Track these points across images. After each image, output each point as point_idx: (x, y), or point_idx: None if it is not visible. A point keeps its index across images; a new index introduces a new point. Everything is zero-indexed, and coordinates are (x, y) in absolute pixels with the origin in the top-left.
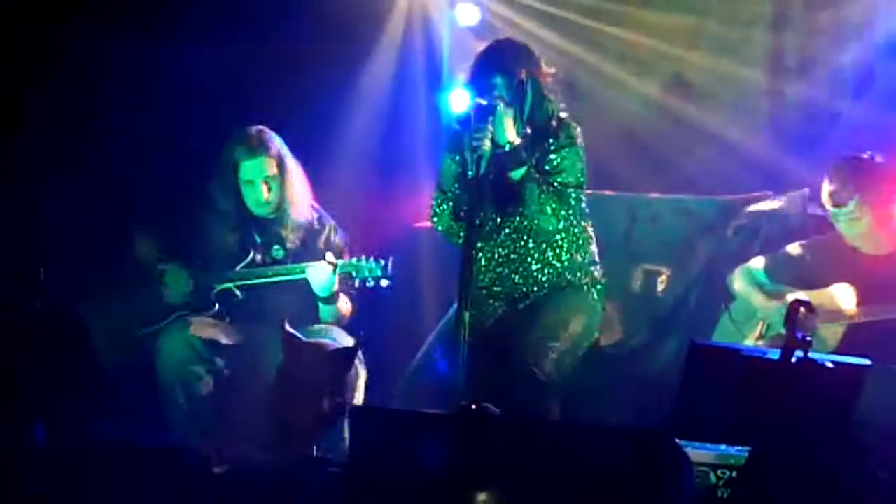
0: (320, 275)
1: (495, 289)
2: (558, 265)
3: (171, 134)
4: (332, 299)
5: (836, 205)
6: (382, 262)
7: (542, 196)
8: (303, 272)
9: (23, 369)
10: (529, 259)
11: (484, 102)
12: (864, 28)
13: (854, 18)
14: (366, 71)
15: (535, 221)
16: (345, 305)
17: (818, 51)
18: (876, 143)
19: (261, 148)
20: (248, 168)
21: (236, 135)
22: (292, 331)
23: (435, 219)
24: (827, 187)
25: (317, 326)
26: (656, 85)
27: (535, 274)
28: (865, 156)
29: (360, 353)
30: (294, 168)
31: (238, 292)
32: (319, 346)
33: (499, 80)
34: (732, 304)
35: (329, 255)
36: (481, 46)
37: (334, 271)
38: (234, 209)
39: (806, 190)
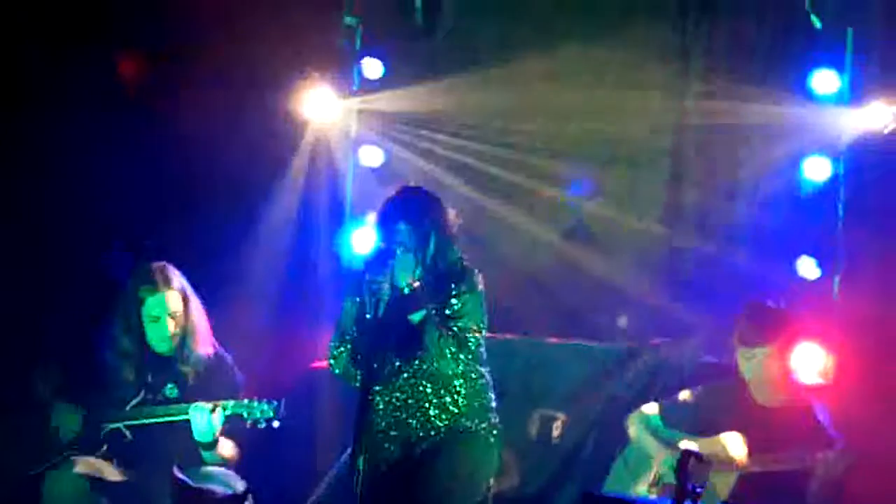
0: (201, 419)
1: (392, 433)
2: (455, 410)
3: (69, 267)
4: (212, 445)
5: (745, 345)
6: (275, 404)
7: (442, 340)
8: (187, 413)
9: None
10: (427, 404)
11: (384, 246)
12: (753, 187)
13: (743, 178)
14: (268, 209)
15: (435, 365)
16: (228, 451)
17: (711, 206)
18: (766, 295)
19: (165, 284)
20: (153, 304)
21: (139, 271)
22: (182, 476)
23: (333, 361)
24: (738, 329)
25: (208, 469)
26: (557, 233)
27: (432, 419)
28: (772, 303)
29: (250, 498)
30: (196, 302)
31: (127, 433)
32: (209, 492)
33: (402, 227)
34: (627, 449)
35: (212, 404)
36: (383, 189)
37: (218, 416)
38: (135, 347)
39: (700, 337)
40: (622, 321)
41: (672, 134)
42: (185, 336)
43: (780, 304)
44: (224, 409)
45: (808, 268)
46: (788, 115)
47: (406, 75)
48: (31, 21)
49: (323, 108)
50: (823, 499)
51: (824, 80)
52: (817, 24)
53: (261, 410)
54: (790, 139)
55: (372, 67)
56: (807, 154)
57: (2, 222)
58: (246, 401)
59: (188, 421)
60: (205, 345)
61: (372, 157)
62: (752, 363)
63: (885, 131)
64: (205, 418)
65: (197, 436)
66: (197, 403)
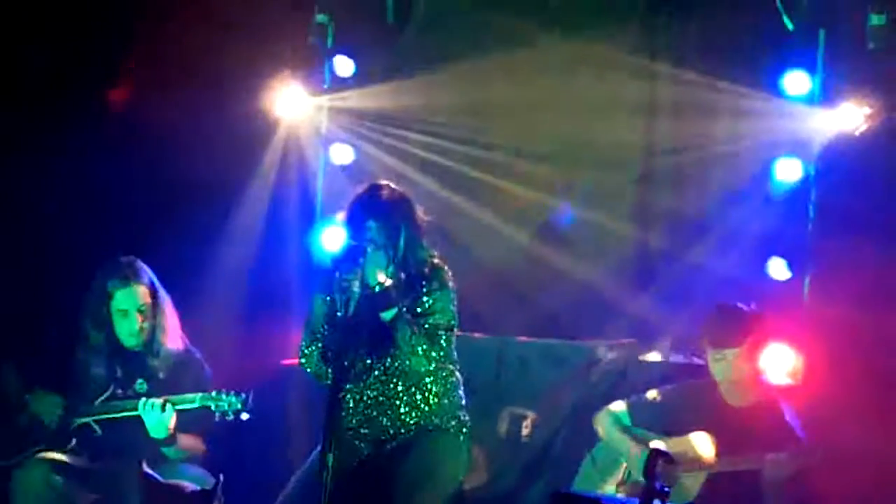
0: (151, 416)
1: (362, 430)
2: (426, 408)
3: (41, 263)
4: (168, 441)
5: (715, 346)
6: (243, 396)
7: (414, 337)
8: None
9: None
10: (398, 401)
11: (354, 244)
12: (728, 186)
13: (714, 180)
14: (239, 206)
15: (407, 363)
16: (188, 443)
17: (683, 204)
18: (736, 296)
19: (134, 278)
20: (122, 298)
21: (108, 266)
22: (150, 471)
23: (303, 360)
24: (708, 329)
25: (178, 465)
26: (526, 232)
27: (402, 416)
28: (742, 305)
29: (219, 493)
30: (164, 297)
31: (97, 427)
32: (178, 488)
33: (372, 224)
34: (595, 448)
35: (170, 398)
36: (354, 187)
37: (168, 412)
38: (105, 341)
39: (669, 338)
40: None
41: (642, 133)
42: (154, 331)
43: (750, 305)
44: (174, 404)
45: (778, 269)
46: (760, 116)
47: (377, 73)
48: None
49: (294, 105)
50: (778, 499)
51: (796, 81)
52: (789, 24)
53: (228, 403)
54: (761, 140)
55: (343, 65)
56: (778, 155)
57: None
58: (213, 393)
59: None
60: (174, 340)
61: (342, 154)
62: (722, 364)
63: (857, 132)
64: (155, 414)
65: (151, 432)
66: (147, 400)
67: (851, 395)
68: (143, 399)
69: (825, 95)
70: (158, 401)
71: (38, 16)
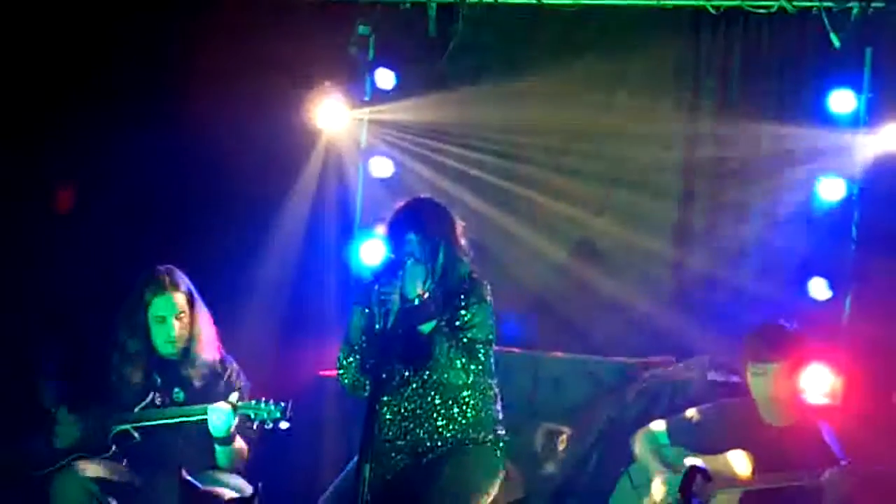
0: (219, 414)
1: (399, 442)
2: (463, 421)
3: (80, 275)
4: (228, 440)
5: (756, 359)
6: (282, 405)
7: (452, 351)
8: (203, 412)
9: None
10: (435, 414)
11: (393, 257)
12: (764, 205)
13: (756, 198)
14: (278, 218)
15: (445, 376)
16: (238, 444)
17: (722, 226)
18: (775, 315)
19: (171, 285)
20: (159, 305)
21: (146, 274)
22: (189, 478)
23: (342, 371)
24: (751, 342)
25: (216, 474)
26: (565, 250)
27: (439, 429)
28: (784, 323)
29: (257, 502)
30: (202, 307)
31: (136, 434)
32: (216, 495)
33: (412, 238)
34: (632, 467)
35: (232, 396)
36: (393, 200)
37: (234, 411)
38: (143, 350)
39: (707, 356)
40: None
41: (683, 152)
42: (190, 339)
43: (792, 324)
44: (237, 408)
45: (819, 289)
46: (804, 135)
47: (418, 86)
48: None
49: (334, 117)
50: None
51: (841, 100)
52: (836, 42)
53: (268, 411)
54: (805, 159)
55: (384, 78)
56: (821, 174)
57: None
58: (253, 402)
59: (198, 424)
60: (210, 349)
61: (382, 167)
62: (762, 380)
63: None
64: (224, 412)
65: (214, 430)
66: (215, 405)
67: (892, 416)
68: (213, 405)
69: (870, 115)
70: (227, 405)
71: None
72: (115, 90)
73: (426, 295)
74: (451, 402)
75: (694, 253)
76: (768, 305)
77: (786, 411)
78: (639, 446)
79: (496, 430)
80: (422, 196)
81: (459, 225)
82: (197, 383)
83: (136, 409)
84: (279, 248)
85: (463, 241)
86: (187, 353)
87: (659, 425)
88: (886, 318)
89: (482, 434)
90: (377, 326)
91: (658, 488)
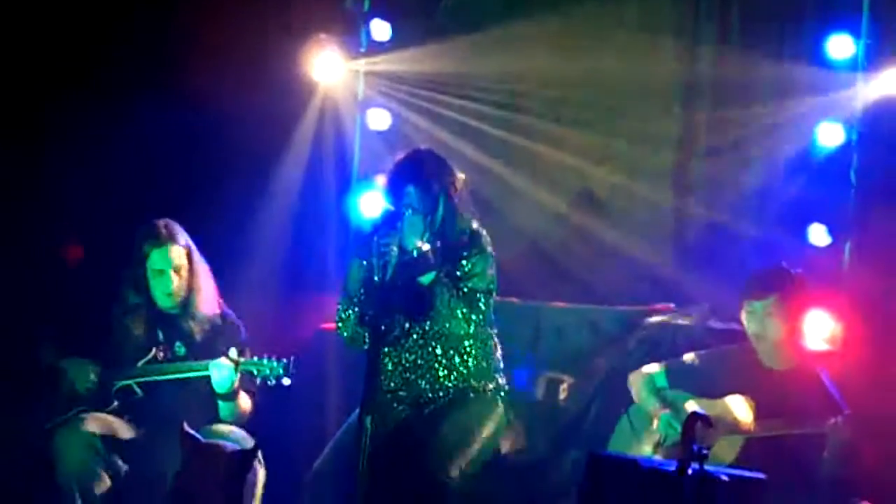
0: (222, 371)
1: (401, 393)
2: (465, 371)
3: (79, 231)
4: (231, 396)
5: (755, 297)
6: (284, 362)
7: (452, 301)
8: (206, 368)
9: None
10: (437, 365)
11: (392, 209)
12: (765, 153)
13: (755, 145)
14: (276, 171)
15: (446, 326)
16: (244, 403)
17: (722, 173)
18: (774, 262)
19: (169, 238)
20: (157, 258)
21: (144, 227)
22: (191, 431)
23: (340, 324)
24: (750, 282)
25: (217, 427)
26: (565, 200)
27: (441, 379)
28: (786, 266)
29: (259, 455)
30: (201, 261)
31: (138, 389)
32: (218, 448)
33: (411, 190)
34: (631, 409)
35: (232, 352)
36: (391, 152)
37: (236, 368)
38: (143, 303)
39: (707, 304)
40: None
41: (682, 100)
42: (189, 293)
43: (790, 268)
44: (239, 364)
45: (819, 235)
46: (802, 80)
47: (413, 38)
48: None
49: (330, 70)
50: (835, 465)
51: (840, 45)
52: None
53: (270, 368)
54: (804, 105)
55: (380, 29)
56: (820, 120)
57: (13, 189)
58: (255, 358)
59: (201, 379)
60: (210, 303)
61: (379, 119)
62: (753, 318)
63: None
64: (226, 368)
65: (217, 387)
66: (216, 361)
67: (890, 362)
68: (215, 361)
69: (869, 60)
70: (229, 361)
71: None
72: (111, 48)
73: (425, 246)
74: (452, 353)
75: (694, 201)
76: (768, 252)
77: (785, 355)
78: (637, 388)
79: (497, 380)
80: (422, 147)
81: (459, 177)
82: (198, 337)
83: (139, 365)
84: (278, 201)
85: (463, 193)
86: (187, 306)
87: (655, 367)
88: (886, 264)
89: (483, 383)
90: (376, 278)
91: (658, 428)
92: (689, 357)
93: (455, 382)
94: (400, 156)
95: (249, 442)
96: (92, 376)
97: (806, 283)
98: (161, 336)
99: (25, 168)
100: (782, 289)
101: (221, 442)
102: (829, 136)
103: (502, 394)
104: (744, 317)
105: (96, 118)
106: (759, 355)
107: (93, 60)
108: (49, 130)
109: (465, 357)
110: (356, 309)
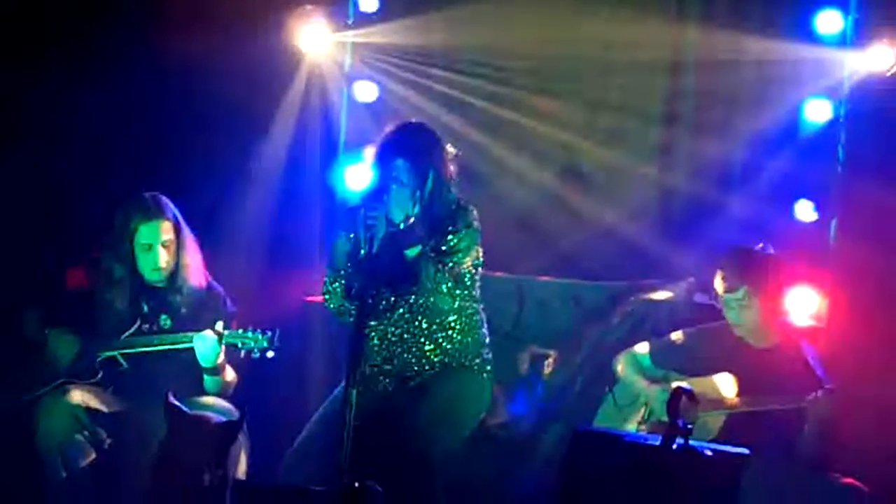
0: (206, 344)
1: (386, 367)
2: (450, 346)
3: (63, 202)
4: (216, 370)
5: (726, 291)
6: (269, 334)
7: (438, 275)
8: (189, 341)
9: None
10: (422, 339)
11: (379, 181)
12: (750, 126)
13: (742, 120)
14: (262, 143)
15: (431, 300)
16: (230, 376)
17: (708, 148)
18: (760, 237)
19: (158, 212)
20: (146, 232)
21: (132, 201)
22: (176, 402)
23: (327, 297)
24: (719, 273)
25: (202, 398)
26: (550, 173)
27: (427, 353)
28: (758, 247)
29: (244, 426)
30: (188, 234)
31: (123, 361)
32: (203, 419)
33: (399, 163)
34: (616, 388)
35: (218, 325)
36: (378, 124)
37: (220, 341)
38: (128, 276)
39: (692, 279)
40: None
41: (667, 73)
42: (177, 266)
43: (765, 248)
44: (223, 337)
45: (805, 211)
46: (790, 56)
47: (401, 8)
48: None
49: (316, 41)
50: (814, 440)
51: (828, 20)
52: None
53: (255, 340)
54: (791, 80)
55: (367, 0)
56: (808, 96)
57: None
58: (240, 331)
59: (185, 351)
60: (197, 276)
61: (366, 91)
62: (730, 307)
63: (888, 74)
64: (210, 342)
65: (202, 360)
66: (201, 333)
67: (876, 338)
68: (199, 333)
69: (857, 35)
70: (213, 334)
71: None
72: (92, 15)
73: (412, 220)
74: (437, 327)
75: (680, 176)
76: (754, 228)
77: (768, 333)
78: (622, 367)
79: (483, 354)
80: (412, 120)
81: (450, 151)
82: (184, 310)
83: (124, 336)
84: (263, 173)
85: (452, 167)
86: (174, 279)
87: (642, 348)
88: (872, 240)
89: (469, 358)
90: (362, 251)
91: (645, 405)
92: (674, 336)
93: (441, 357)
94: (390, 128)
95: (234, 413)
96: (75, 347)
97: (781, 265)
98: (146, 308)
99: (8, 133)
100: (750, 279)
101: (206, 413)
102: (817, 111)
103: (488, 368)
104: (720, 304)
105: (76, 89)
106: (743, 334)
107: (65, 34)
108: (27, 91)
109: (451, 332)
110: (342, 281)
